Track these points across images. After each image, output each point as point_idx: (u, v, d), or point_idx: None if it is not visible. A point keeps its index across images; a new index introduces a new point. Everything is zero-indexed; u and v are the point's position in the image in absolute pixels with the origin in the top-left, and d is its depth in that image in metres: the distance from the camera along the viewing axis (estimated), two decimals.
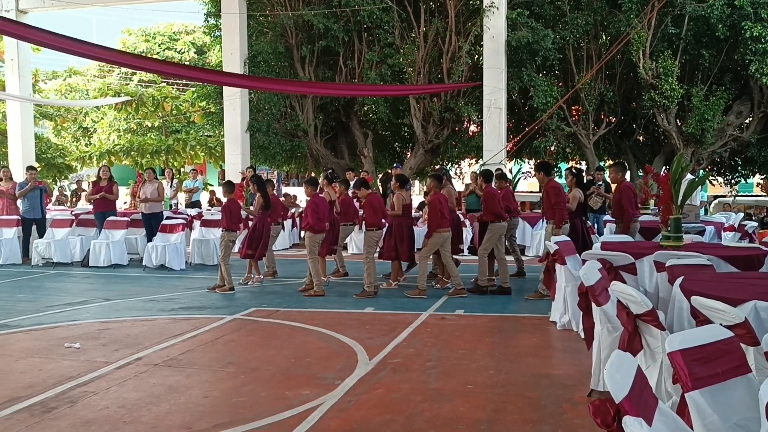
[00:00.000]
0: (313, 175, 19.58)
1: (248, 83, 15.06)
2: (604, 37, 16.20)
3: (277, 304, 8.25)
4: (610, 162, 19.34)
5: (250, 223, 10.24)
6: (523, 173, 20.36)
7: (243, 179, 15.40)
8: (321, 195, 9.60)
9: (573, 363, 5.57)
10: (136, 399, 4.72)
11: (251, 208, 10.08)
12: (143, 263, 11.53)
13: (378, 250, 9.25)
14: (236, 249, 10.35)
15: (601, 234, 11.07)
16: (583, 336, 5.35)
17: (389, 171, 15.91)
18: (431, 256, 9.11)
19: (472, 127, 18.19)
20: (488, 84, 14.92)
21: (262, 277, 9.98)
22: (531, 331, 6.81)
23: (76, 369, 5.45)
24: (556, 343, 6.40)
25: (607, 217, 11.34)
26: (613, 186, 9.36)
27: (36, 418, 4.36)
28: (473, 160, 19.50)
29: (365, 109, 17.86)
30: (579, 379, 5.02)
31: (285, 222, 13.02)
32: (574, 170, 9.38)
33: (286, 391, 4.90)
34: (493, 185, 9.19)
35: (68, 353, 5.98)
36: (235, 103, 16.74)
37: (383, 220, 9.25)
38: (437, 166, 18.67)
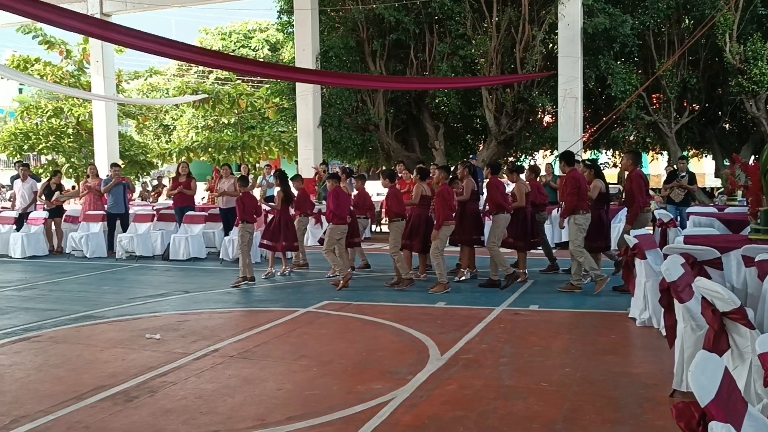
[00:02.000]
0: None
1: (320, 79, 15.18)
2: (687, 21, 15.50)
3: (349, 298, 8.29)
4: (693, 151, 18.62)
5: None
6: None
7: (316, 174, 15.62)
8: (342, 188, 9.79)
9: (654, 361, 5.35)
10: (213, 390, 4.83)
11: (272, 203, 10.49)
12: (220, 257, 11.84)
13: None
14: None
15: (684, 227, 10.61)
16: (664, 334, 5.13)
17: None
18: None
19: (547, 118, 17.77)
20: (563, 73, 14.55)
21: (289, 269, 10.34)
22: (609, 327, 6.59)
23: (156, 359, 5.63)
24: (635, 340, 6.16)
25: (691, 209, 10.87)
26: (625, 174, 9.24)
27: (119, 407, 4.52)
28: (548, 152, 19.07)
29: (436, 101, 17.74)
30: (660, 379, 4.81)
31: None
32: (587, 162, 9.28)
33: (358, 384, 4.90)
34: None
35: (149, 344, 6.19)
36: (307, 98, 16.94)
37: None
38: (511, 159, 18.41)
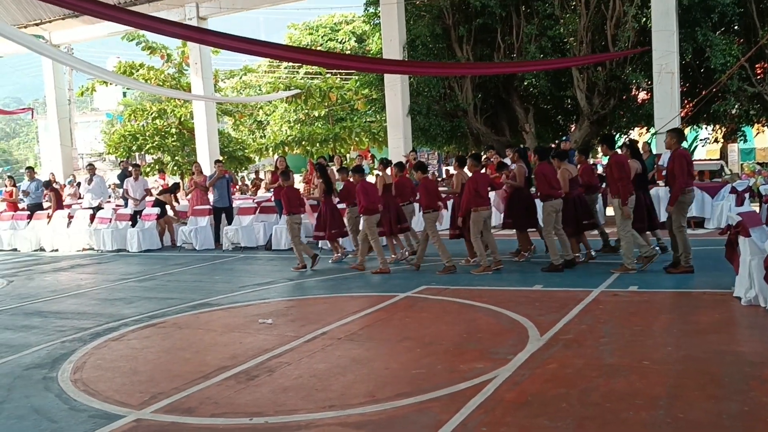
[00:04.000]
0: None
1: (408, 69, 15.39)
2: None
3: (446, 282, 8.51)
4: None
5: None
6: (700, 140, 19.03)
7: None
8: (368, 180, 10.38)
9: (761, 340, 5.28)
10: (325, 369, 5.17)
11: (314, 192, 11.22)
12: (319, 245, 12.30)
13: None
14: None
15: None
16: None
17: (552, 145, 15.59)
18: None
19: (642, 95, 17.25)
20: (658, 48, 14.09)
21: (341, 255, 10.93)
22: (712, 307, 6.49)
23: (270, 342, 6.06)
24: (741, 319, 6.06)
25: None
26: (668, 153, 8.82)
27: (242, 384, 4.94)
28: (644, 130, 18.50)
29: (525, 83, 17.57)
30: None
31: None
32: (627, 142, 9.09)
33: (460, 364, 5.11)
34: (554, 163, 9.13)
35: (262, 328, 6.63)
36: (395, 88, 17.19)
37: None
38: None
